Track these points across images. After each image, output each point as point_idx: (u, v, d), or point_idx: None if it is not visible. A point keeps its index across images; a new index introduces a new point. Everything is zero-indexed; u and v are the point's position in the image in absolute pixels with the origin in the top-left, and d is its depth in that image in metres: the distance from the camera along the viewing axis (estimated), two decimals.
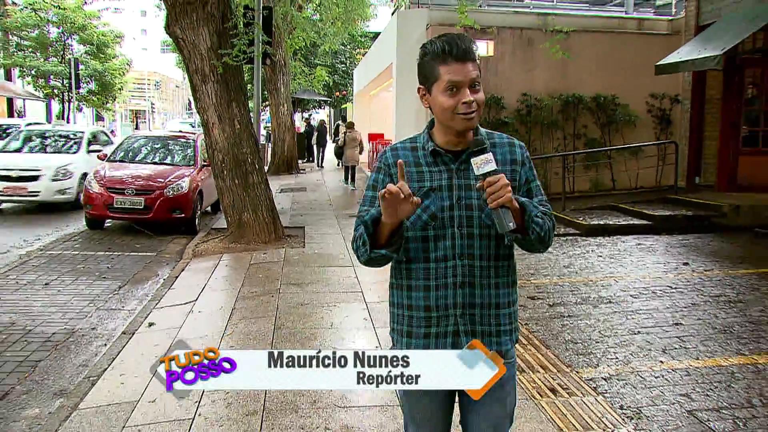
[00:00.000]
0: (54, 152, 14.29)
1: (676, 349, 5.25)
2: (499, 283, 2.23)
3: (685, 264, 8.23)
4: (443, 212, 2.17)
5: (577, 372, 4.79)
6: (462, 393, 2.33)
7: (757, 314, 6.14)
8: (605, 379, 4.66)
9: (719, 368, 4.84)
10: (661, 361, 4.99)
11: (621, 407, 4.20)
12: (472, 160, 2.07)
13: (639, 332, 5.64)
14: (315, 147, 26.63)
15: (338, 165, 22.86)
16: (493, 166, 2.04)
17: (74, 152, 14.43)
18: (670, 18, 15.21)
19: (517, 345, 2.37)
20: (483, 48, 13.53)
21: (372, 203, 2.25)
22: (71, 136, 15.19)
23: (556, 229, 2.24)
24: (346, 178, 18.14)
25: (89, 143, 14.99)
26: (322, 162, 26.07)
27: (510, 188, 2.00)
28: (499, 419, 2.31)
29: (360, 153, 18.42)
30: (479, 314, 2.20)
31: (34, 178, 12.80)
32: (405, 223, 2.12)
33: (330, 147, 26.50)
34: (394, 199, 1.98)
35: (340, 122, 27.33)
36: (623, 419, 4.02)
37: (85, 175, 13.02)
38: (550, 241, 2.20)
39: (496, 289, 2.22)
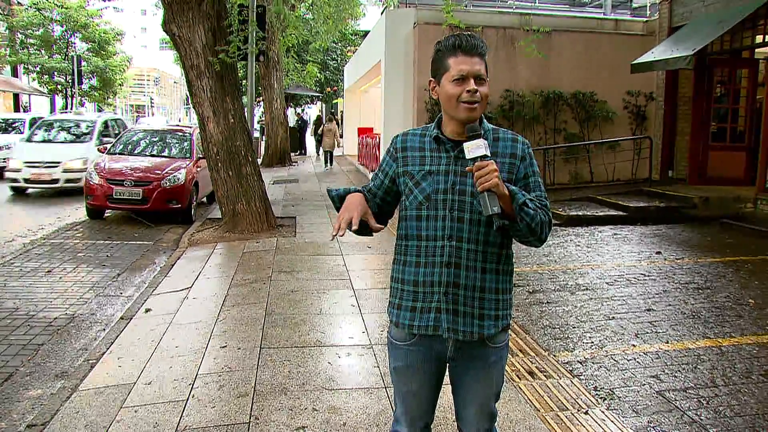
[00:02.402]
0: None
1: (647, 333, 5.28)
2: (486, 268, 2.24)
3: (658, 253, 8.27)
4: (437, 195, 2.23)
5: (554, 356, 4.81)
6: (452, 372, 2.38)
7: (722, 300, 6.18)
8: (581, 363, 4.69)
9: (687, 351, 4.88)
10: (634, 345, 5.02)
11: (595, 389, 4.22)
12: (464, 144, 2.12)
13: (613, 318, 5.67)
14: (314, 139, 28.41)
15: (318, 153, 26.85)
16: (482, 152, 2.08)
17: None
18: (645, 19, 15.21)
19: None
20: None
21: (374, 179, 2.43)
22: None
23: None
24: (326, 161, 21.77)
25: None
26: (319, 152, 27.03)
27: (497, 174, 2.03)
28: (485, 398, 2.36)
29: (338, 143, 22.20)
30: (462, 295, 2.22)
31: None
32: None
33: None
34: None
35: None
36: (597, 400, 4.04)
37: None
38: (542, 234, 2.20)
39: (482, 274, 2.23)
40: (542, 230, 2.18)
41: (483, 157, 2.07)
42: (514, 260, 2.37)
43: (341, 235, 2.12)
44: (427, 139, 2.31)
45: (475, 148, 2.09)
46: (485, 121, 2.32)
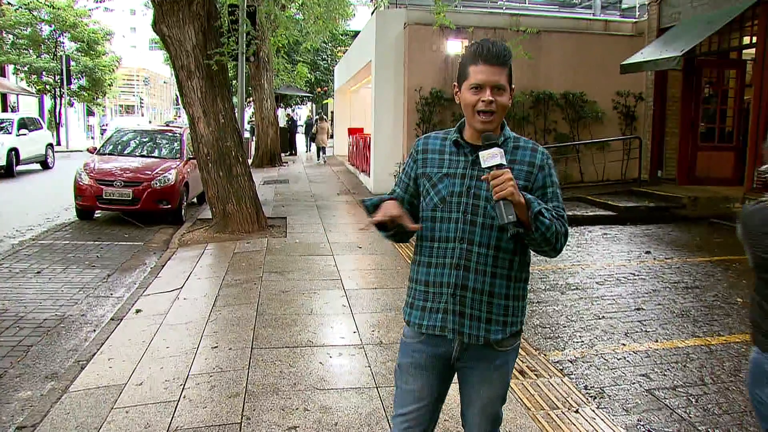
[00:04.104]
0: None
1: (637, 332, 5.31)
2: (496, 273, 2.24)
3: (647, 252, 8.32)
4: (452, 197, 2.24)
5: (544, 355, 4.83)
6: (459, 373, 2.38)
7: (711, 299, 6.23)
8: (571, 362, 4.71)
9: (676, 350, 4.91)
10: (624, 344, 5.05)
11: (585, 387, 4.24)
12: (480, 153, 2.14)
13: (603, 317, 5.70)
14: (305, 138, 30.90)
15: (308, 149, 30.56)
16: (498, 161, 2.08)
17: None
18: (634, 20, 15.29)
19: None
20: (458, 47, 13.52)
21: (399, 184, 2.45)
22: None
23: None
24: (318, 155, 25.00)
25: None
26: (310, 149, 29.55)
27: (513, 183, 2.04)
28: (489, 399, 2.37)
29: (328, 138, 25.77)
30: (470, 297, 2.22)
31: None
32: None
33: None
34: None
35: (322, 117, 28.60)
36: (587, 398, 4.06)
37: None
38: (558, 244, 2.19)
39: (492, 278, 2.23)
40: (557, 240, 2.18)
41: (499, 166, 2.08)
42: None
43: (366, 226, 2.15)
44: (448, 142, 2.33)
45: (490, 157, 2.10)
46: (507, 128, 2.33)
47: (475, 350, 2.29)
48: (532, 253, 2.33)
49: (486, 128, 2.20)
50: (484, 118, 2.18)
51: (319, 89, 36.08)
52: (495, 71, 2.17)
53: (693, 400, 4.05)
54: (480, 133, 2.21)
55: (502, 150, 2.12)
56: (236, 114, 10.25)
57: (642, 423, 3.74)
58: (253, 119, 24.80)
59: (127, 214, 11.13)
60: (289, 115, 33.43)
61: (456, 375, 2.41)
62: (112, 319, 5.80)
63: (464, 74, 2.23)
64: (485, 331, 2.24)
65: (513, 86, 2.26)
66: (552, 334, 5.28)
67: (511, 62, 2.23)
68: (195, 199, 12.98)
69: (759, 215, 2.30)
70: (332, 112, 33.60)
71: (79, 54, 33.50)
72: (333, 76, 31.22)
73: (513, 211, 2.04)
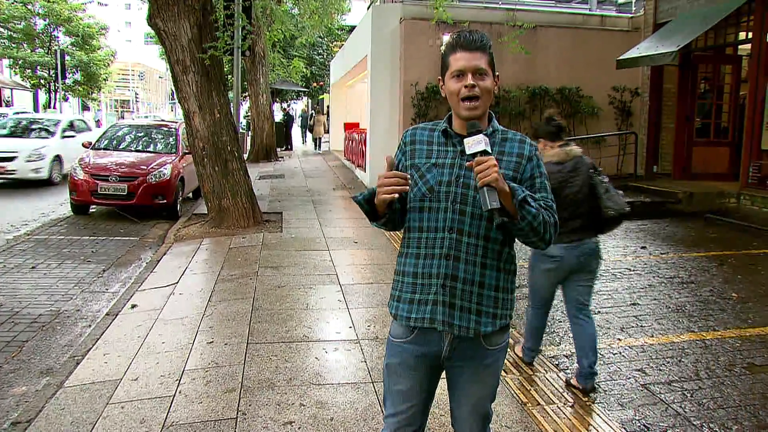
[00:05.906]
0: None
1: (632, 327, 5.33)
2: (486, 264, 2.22)
3: (643, 248, 8.33)
4: (440, 186, 2.23)
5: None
6: (448, 372, 2.36)
7: (706, 294, 6.25)
8: (566, 357, 4.72)
9: (671, 345, 4.93)
10: (619, 339, 5.06)
11: None
12: (465, 140, 2.13)
13: (599, 312, 5.71)
14: (302, 131, 32.92)
15: (304, 141, 33.05)
16: (482, 147, 2.08)
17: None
18: (631, 15, 15.27)
19: None
20: None
21: None
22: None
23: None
24: (316, 146, 27.80)
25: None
26: (306, 140, 31.96)
27: (497, 169, 2.02)
28: (479, 398, 2.35)
29: (325, 130, 28.41)
30: (460, 288, 2.20)
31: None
32: (395, 203, 2.24)
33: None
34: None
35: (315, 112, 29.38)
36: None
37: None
38: (546, 234, 2.17)
39: (482, 269, 2.21)
40: (546, 230, 2.16)
41: (483, 153, 2.08)
42: None
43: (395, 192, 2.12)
44: (437, 133, 2.33)
45: (475, 144, 2.10)
46: (494, 120, 2.32)
47: (464, 348, 2.27)
48: (520, 246, 2.32)
49: (472, 115, 2.20)
50: (469, 104, 2.19)
51: (315, 84, 35.99)
52: (474, 56, 2.18)
53: (688, 394, 4.06)
54: (466, 120, 2.21)
55: (486, 138, 2.11)
56: (232, 109, 10.23)
57: (637, 418, 3.75)
58: (249, 114, 24.74)
59: (122, 209, 11.11)
60: (285, 109, 33.40)
61: (445, 374, 2.39)
62: (107, 314, 5.80)
63: (446, 65, 2.25)
64: (475, 323, 2.21)
65: (497, 74, 2.26)
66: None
67: (491, 50, 2.23)
68: (191, 194, 12.95)
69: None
70: (328, 107, 33.57)
71: (74, 48, 33.42)
72: (329, 71, 31.16)
73: (497, 197, 2.03)
